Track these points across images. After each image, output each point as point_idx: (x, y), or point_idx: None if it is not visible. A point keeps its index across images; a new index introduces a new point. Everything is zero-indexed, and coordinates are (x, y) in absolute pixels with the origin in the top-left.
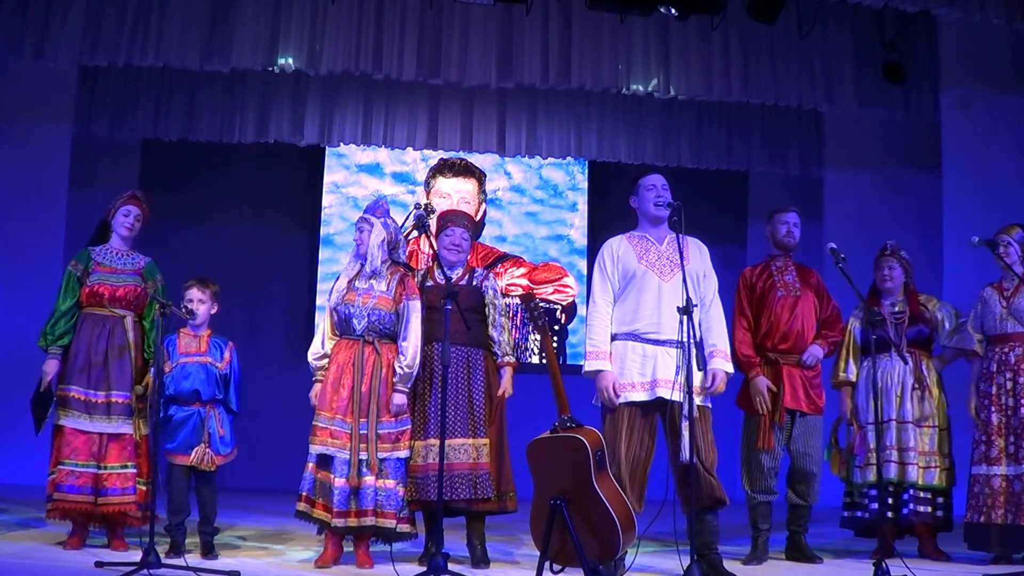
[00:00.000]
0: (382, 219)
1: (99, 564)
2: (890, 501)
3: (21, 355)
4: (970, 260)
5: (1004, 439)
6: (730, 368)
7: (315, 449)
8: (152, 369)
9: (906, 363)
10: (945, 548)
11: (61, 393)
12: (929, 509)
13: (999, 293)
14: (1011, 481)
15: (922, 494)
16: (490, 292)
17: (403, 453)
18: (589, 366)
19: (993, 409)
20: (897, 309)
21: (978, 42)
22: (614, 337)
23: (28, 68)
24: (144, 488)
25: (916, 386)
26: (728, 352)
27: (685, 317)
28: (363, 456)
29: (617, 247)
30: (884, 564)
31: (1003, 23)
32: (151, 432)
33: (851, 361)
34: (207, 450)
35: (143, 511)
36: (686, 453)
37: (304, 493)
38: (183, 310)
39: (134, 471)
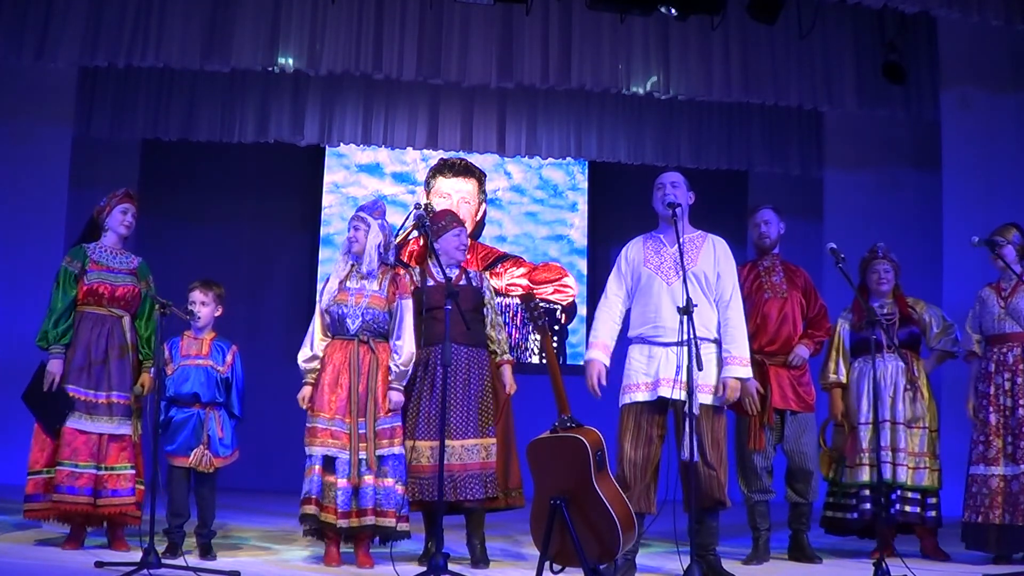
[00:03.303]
0: (379, 221)
1: (99, 564)
2: (882, 501)
3: (21, 354)
4: (970, 260)
5: (1002, 439)
6: (743, 374)
7: (317, 451)
8: (151, 370)
9: (881, 363)
10: (945, 548)
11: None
12: (918, 509)
13: (997, 293)
14: (1009, 481)
15: (910, 494)
16: (487, 293)
17: (398, 449)
18: (586, 355)
19: (991, 409)
20: (887, 311)
21: (978, 42)
22: (629, 341)
23: (28, 68)
24: (143, 488)
25: (908, 387)
26: (745, 357)
27: (685, 317)
28: (362, 455)
29: (630, 249)
30: (884, 564)
31: (1002, 24)
32: (148, 433)
33: (840, 362)
34: (205, 452)
35: (142, 511)
36: (686, 452)
37: (314, 496)
38: (184, 311)
39: (133, 472)
